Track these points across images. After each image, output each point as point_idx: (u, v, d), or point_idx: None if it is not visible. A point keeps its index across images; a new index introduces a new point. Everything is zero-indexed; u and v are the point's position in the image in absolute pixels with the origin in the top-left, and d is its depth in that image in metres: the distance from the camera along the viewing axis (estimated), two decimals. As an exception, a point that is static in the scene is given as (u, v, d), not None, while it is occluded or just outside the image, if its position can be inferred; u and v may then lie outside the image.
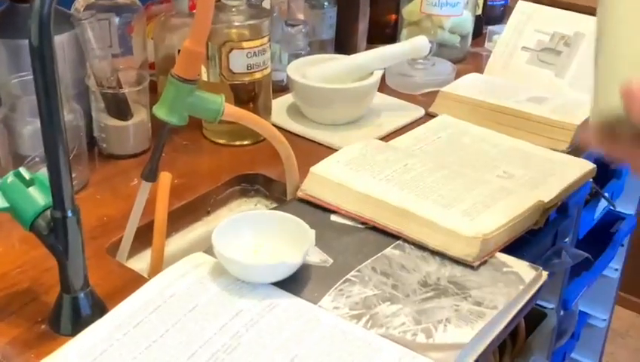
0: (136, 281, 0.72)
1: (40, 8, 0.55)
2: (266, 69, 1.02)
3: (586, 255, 1.09)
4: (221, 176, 0.96)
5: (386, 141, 1.00)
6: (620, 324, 1.74)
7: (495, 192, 0.83)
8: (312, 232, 0.72)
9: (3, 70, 0.88)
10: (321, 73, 1.10)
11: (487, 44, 1.39)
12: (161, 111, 0.75)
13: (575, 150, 1.01)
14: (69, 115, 0.85)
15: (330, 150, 0.97)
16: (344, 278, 0.72)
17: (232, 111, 0.79)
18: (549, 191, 0.88)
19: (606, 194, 1.36)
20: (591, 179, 0.97)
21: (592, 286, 1.45)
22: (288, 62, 1.14)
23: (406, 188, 0.83)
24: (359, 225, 0.81)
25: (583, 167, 0.95)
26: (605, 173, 1.38)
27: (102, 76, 0.93)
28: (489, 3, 1.45)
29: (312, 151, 0.99)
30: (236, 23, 0.97)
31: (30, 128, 0.85)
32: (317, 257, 0.74)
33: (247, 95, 1.01)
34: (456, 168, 0.90)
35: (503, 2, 1.48)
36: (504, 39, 1.23)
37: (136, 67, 1.05)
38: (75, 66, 0.94)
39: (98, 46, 0.92)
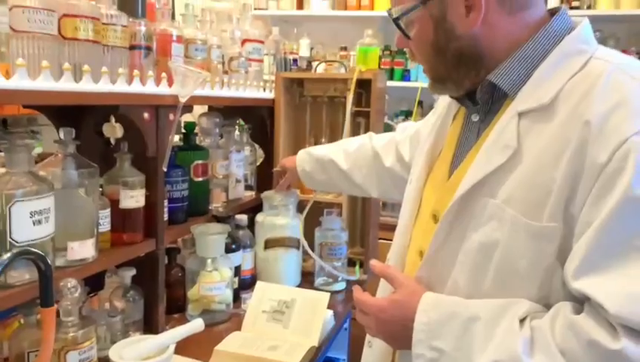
0: None
1: None
2: (92, 359, 0.97)
3: None
4: None
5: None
6: None
7: None
8: None
9: None
10: (136, 351, 1.06)
11: (242, 306, 1.43)
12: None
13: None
14: None
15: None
16: None
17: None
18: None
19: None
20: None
21: None
22: (111, 340, 1.10)
23: None
24: None
25: (303, 393, 1.02)
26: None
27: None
28: (242, 278, 1.52)
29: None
30: (71, 333, 0.94)
31: None
32: None
33: (81, 378, 0.96)
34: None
35: (250, 276, 1.56)
36: (252, 307, 1.30)
37: (-8, 367, 0.96)
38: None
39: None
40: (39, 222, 0.92)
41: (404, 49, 0.84)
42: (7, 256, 0.62)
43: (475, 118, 0.81)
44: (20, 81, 0.82)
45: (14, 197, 0.89)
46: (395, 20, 0.78)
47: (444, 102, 0.94)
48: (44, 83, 0.87)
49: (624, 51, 2.39)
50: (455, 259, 0.76)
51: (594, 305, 0.63)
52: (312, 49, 3.45)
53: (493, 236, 0.71)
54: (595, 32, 0.75)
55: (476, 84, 0.77)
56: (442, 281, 0.78)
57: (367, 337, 0.96)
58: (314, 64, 2.32)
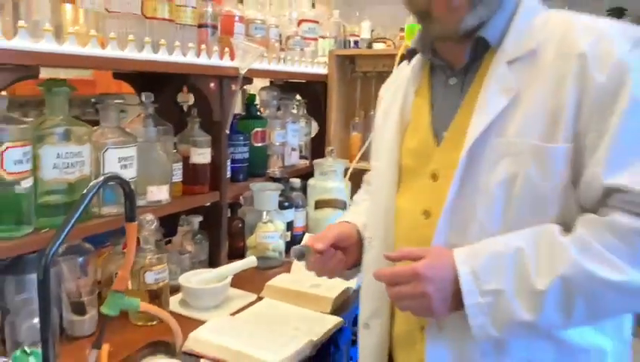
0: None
1: (45, 260, 0.70)
2: (165, 280, 1.18)
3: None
4: (139, 343, 1.05)
5: (234, 315, 1.19)
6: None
7: (288, 338, 1.04)
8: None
9: (11, 293, 0.99)
10: (200, 279, 1.27)
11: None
12: (105, 309, 0.90)
13: (334, 311, 1.23)
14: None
15: (202, 322, 1.12)
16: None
17: (144, 307, 0.95)
18: (316, 335, 1.09)
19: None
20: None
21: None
22: (181, 273, 1.32)
23: (242, 338, 1.01)
24: (216, 363, 0.98)
25: (336, 320, 1.18)
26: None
27: (70, 291, 1.08)
28: (294, 233, 1.69)
29: (192, 324, 1.11)
30: (149, 257, 1.15)
31: (26, 326, 0.96)
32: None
33: (156, 295, 1.16)
34: (271, 326, 1.10)
35: (302, 232, 1.73)
36: (299, 254, 1.48)
37: (90, 283, 1.19)
38: (54, 286, 1.06)
39: (68, 274, 1.07)
40: (125, 166, 1.14)
41: None
42: (100, 178, 0.82)
43: (452, 81, 0.83)
44: (112, 51, 1.04)
45: (106, 145, 1.12)
46: None
47: (391, 89, 0.95)
48: (130, 53, 1.08)
49: None
50: (474, 204, 0.76)
51: (626, 199, 0.67)
52: (372, 31, 3.54)
53: (511, 170, 0.73)
54: None
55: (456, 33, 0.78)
56: (467, 225, 0.76)
57: (363, 319, 0.93)
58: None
